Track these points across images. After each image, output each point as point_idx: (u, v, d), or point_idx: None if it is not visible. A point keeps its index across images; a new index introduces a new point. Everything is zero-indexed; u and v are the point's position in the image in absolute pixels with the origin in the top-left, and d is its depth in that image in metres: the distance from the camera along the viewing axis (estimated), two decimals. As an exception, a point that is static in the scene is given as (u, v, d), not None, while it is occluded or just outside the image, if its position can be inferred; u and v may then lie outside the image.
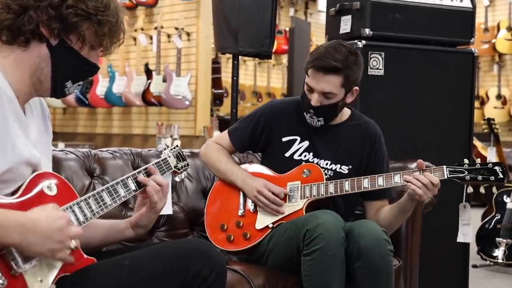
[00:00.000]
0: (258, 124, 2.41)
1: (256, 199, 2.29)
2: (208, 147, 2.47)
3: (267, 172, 2.38)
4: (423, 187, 2.14)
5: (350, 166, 2.35)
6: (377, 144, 2.38)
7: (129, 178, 1.70)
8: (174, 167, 1.86)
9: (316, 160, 2.35)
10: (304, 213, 2.22)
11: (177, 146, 1.90)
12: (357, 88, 2.31)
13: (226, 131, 2.49)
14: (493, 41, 8.86)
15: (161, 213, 1.82)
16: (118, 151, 2.44)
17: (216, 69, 7.18)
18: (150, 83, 6.46)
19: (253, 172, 2.38)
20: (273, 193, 2.28)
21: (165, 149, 1.87)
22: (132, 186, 1.70)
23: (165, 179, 1.75)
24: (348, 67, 2.23)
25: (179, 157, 1.88)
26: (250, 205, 2.32)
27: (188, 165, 1.90)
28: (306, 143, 2.36)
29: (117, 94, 6.71)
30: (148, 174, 1.75)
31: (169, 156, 1.85)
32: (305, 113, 2.31)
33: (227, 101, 7.30)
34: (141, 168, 1.75)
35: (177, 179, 1.86)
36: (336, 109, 2.30)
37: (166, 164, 1.83)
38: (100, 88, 6.84)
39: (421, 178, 2.15)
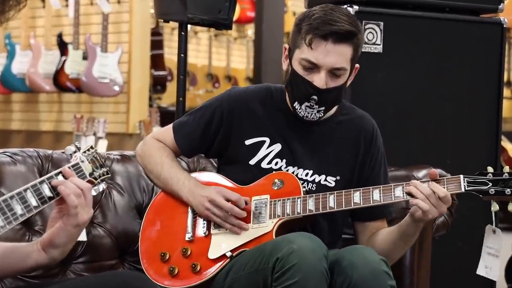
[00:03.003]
0: (212, 119, 2.42)
1: (208, 213, 2.31)
2: (147, 145, 2.48)
3: (225, 182, 2.40)
4: (426, 199, 2.18)
5: (338, 177, 2.39)
6: (374, 145, 2.43)
7: (36, 186, 1.71)
8: (90, 175, 1.87)
9: (292, 169, 2.38)
10: (274, 238, 2.24)
11: (91, 147, 1.91)
12: (358, 65, 2.36)
13: (171, 125, 2.50)
14: (530, 8, 9.03)
15: None
16: (20, 153, 2.42)
17: (156, 43, 7.15)
18: (65, 61, 6.41)
19: (206, 182, 2.40)
20: (231, 203, 2.30)
21: (75, 151, 1.88)
22: (47, 192, 1.72)
23: (87, 183, 1.77)
24: (360, 32, 2.29)
25: (96, 162, 1.89)
26: (201, 227, 2.34)
27: (108, 173, 1.91)
28: (277, 147, 2.39)
29: (18, 76, 6.63)
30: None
31: (82, 161, 1.86)
32: (296, 104, 2.32)
33: (171, 87, 7.28)
34: (52, 173, 1.76)
35: (93, 192, 1.87)
36: (341, 94, 2.35)
37: (78, 171, 1.84)
38: (-6, 66, 6.77)
39: (422, 187, 2.20)
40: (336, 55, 2.25)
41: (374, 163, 2.42)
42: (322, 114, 2.34)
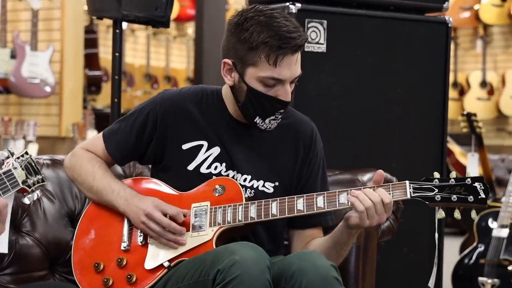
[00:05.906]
0: (146, 124, 2.40)
1: (144, 227, 2.29)
2: (76, 156, 2.44)
3: (164, 189, 2.38)
4: (372, 207, 2.18)
5: (277, 183, 2.39)
6: (312, 151, 2.43)
7: None
8: (23, 183, 1.85)
9: (231, 173, 2.37)
10: (214, 247, 2.24)
11: (26, 153, 1.87)
12: None
13: (100, 134, 2.47)
14: (475, 7, 9.21)
15: None
16: None
17: (90, 42, 7.12)
18: (-9, 60, 6.34)
19: (144, 189, 2.38)
20: (169, 216, 2.28)
21: (8, 157, 1.85)
22: None
23: (3, 199, 1.74)
24: None
25: (30, 169, 1.87)
26: (138, 236, 2.32)
27: (43, 180, 1.89)
28: (216, 150, 2.38)
29: None
30: None
31: (15, 168, 1.83)
32: (258, 119, 2.31)
33: (107, 88, 7.23)
34: None
35: (26, 200, 1.84)
36: None
37: (10, 178, 1.81)
38: None
39: (370, 193, 2.20)
40: (296, 64, 2.28)
41: (311, 170, 2.42)
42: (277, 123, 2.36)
